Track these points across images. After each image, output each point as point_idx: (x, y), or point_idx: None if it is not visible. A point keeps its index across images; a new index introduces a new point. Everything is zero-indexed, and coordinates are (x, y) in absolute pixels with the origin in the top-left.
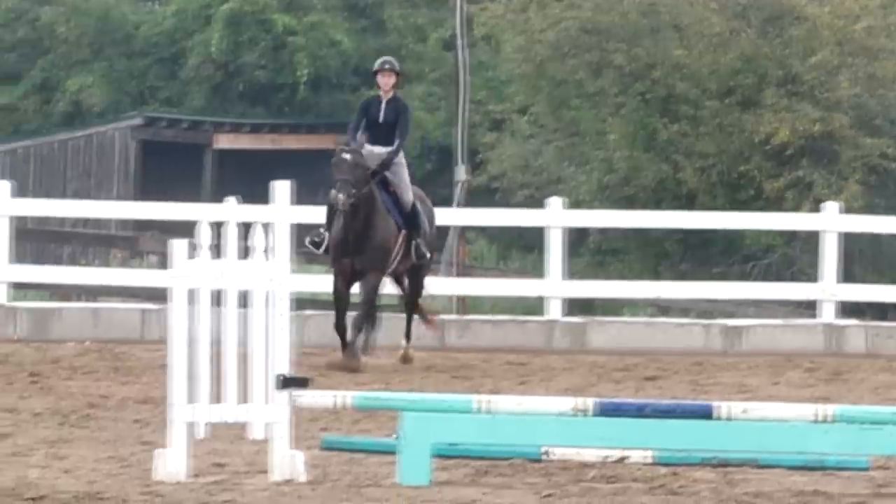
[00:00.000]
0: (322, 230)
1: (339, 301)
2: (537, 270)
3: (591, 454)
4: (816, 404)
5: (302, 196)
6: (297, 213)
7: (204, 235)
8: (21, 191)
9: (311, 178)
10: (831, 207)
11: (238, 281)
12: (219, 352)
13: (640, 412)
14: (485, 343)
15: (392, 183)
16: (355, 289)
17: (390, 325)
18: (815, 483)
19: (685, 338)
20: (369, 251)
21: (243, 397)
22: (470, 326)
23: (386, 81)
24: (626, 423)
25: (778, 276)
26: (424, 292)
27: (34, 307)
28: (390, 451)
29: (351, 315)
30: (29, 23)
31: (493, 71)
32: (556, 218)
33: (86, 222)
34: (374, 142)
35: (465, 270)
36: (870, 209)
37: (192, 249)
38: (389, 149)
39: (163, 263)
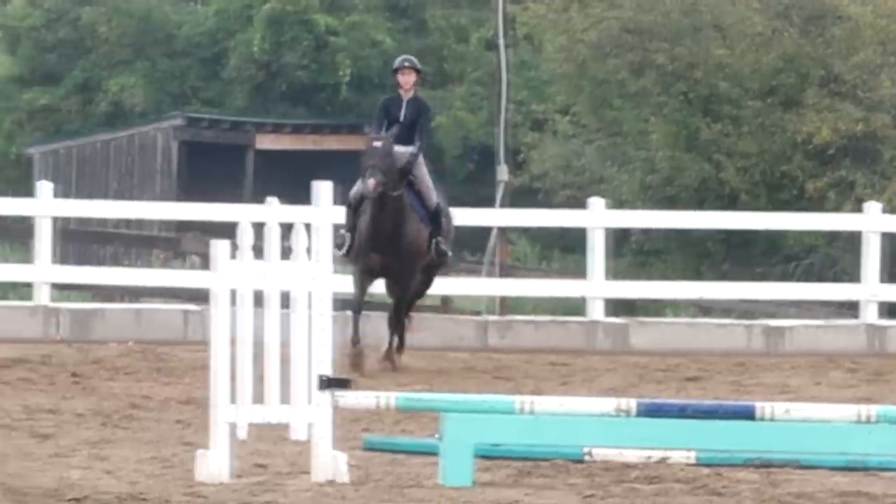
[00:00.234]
0: (342, 231)
1: (361, 299)
2: (579, 271)
3: (633, 455)
4: (859, 405)
5: (343, 197)
6: (338, 214)
7: (246, 236)
8: (63, 191)
9: (352, 178)
10: (873, 207)
11: (280, 281)
12: (261, 352)
13: (682, 413)
14: (527, 344)
15: (416, 181)
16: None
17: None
18: (857, 484)
19: (727, 338)
20: (403, 252)
21: (285, 398)
22: (512, 327)
23: (406, 80)
24: (669, 423)
25: (820, 277)
26: (428, 291)
27: (76, 308)
28: (432, 452)
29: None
30: (70, 23)
31: (534, 70)
32: (598, 218)
33: (128, 223)
34: (395, 141)
35: (506, 271)
36: None
37: (234, 250)
38: (411, 149)
39: (205, 264)
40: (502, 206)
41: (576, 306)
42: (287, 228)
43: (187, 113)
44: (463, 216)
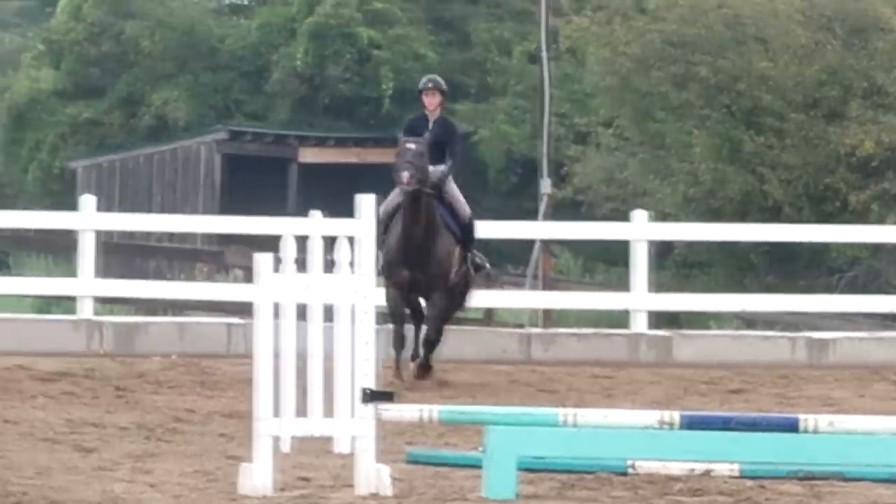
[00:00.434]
0: None
1: (398, 315)
2: (622, 283)
3: (676, 467)
4: None
5: None
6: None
7: (289, 249)
8: (106, 205)
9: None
10: None
11: (323, 295)
12: (304, 365)
13: (725, 425)
14: (570, 356)
15: (447, 195)
16: None
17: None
18: None
19: (771, 351)
20: (433, 266)
21: (329, 411)
22: (555, 340)
23: (431, 101)
24: (712, 436)
25: (864, 289)
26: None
27: (120, 321)
28: (476, 465)
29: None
30: (113, 37)
31: (577, 83)
32: (640, 231)
33: (171, 236)
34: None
35: (550, 284)
36: None
37: (277, 263)
38: (441, 168)
39: (248, 277)
40: (545, 218)
41: (619, 319)
42: (330, 241)
43: (230, 126)
44: (506, 229)
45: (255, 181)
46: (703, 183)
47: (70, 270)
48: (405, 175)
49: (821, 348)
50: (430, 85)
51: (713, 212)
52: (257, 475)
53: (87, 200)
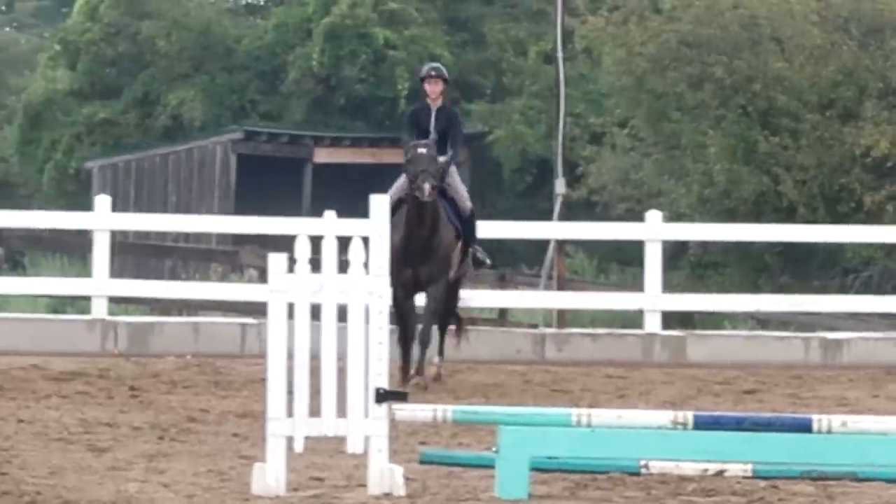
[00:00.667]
0: None
1: (405, 316)
2: (636, 284)
3: (689, 467)
4: None
5: None
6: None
7: (302, 249)
8: (122, 205)
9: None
10: None
11: (336, 295)
12: (317, 366)
13: (739, 425)
14: (584, 356)
15: (448, 188)
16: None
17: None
18: None
19: (785, 351)
20: (435, 261)
21: (342, 411)
22: (569, 340)
23: (433, 89)
24: (726, 436)
25: (878, 289)
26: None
27: (134, 321)
28: (489, 465)
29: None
30: (129, 37)
31: (592, 84)
32: (655, 231)
33: (186, 236)
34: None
35: (564, 284)
36: None
37: (292, 263)
38: (443, 158)
39: (262, 278)
40: (560, 219)
41: (633, 319)
42: (345, 242)
43: (246, 126)
44: (520, 229)
45: (270, 181)
46: (717, 183)
47: (85, 270)
48: (427, 188)
49: (835, 349)
50: (432, 73)
51: (728, 212)
52: (270, 475)
53: (102, 200)
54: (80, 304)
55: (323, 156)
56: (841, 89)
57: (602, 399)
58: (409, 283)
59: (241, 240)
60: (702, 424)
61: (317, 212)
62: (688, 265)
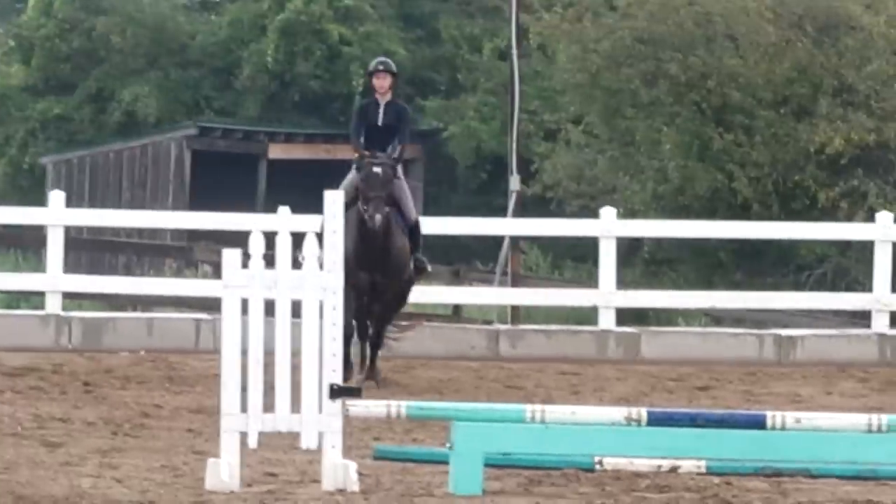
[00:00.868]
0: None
1: (360, 319)
2: (591, 280)
3: (643, 464)
4: (870, 414)
5: None
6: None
7: (257, 245)
8: (76, 201)
9: None
10: (885, 217)
11: (291, 291)
12: (271, 361)
13: (692, 422)
14: (538, 353)
15: (395, 190)
16: None
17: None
18: (867, 493)
19: (738, 348)
20: (391, 267)
21: (296, 407)
22: (523, 336)
23: (381, 84)
24: (679, 432)
25: (832, 286)
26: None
27: (88, 317)
28: (443, 461)
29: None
30: (84, 33)
31: (547, 80)
32: (609, 228)
33: (140, 232)
34: (372, 146)
35: (518, 280)
36: None
37: (246, 259)
38: (391, 152)
39: (217, 273)
40: (514, 215)
41: (587, 315)
42: (299, 238)
43: (200, 122)
44: (475, 226)
45: (225, 177)
46: (671, 180)
47: (39, 266)
48: (378, 219)
49: (788, 345)
50: (380, 67)
51: (682, 209)
52: (224, 470)
53: (57, 196)
54: (34, 299)
55: (277, 152)
56: (795, 86)
57: (556, 395)
58: (364, 287)
59: (195, 235)
60: (655, 421)
61: (271, 208)
62: (642, 262)
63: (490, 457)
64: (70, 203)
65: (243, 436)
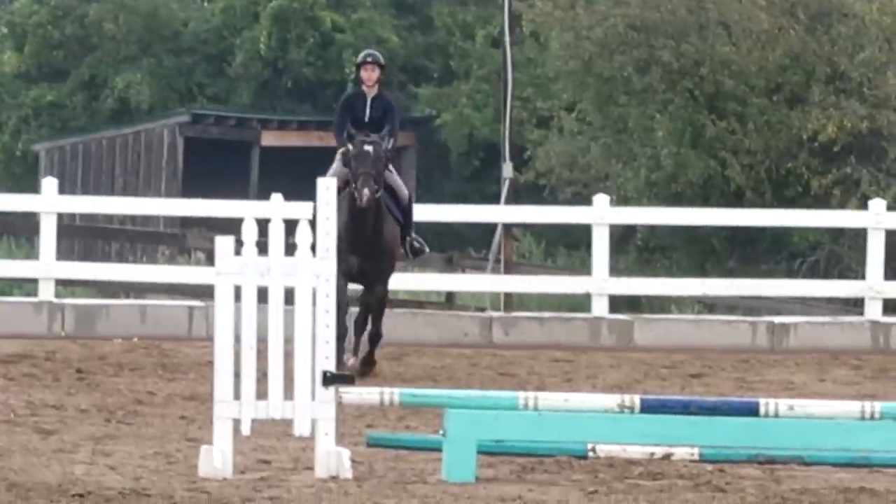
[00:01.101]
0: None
1: (342, 304)
2: (584, 267)
3: (636, 451)
4: (862, 401)
5: None
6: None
7: (249, 232)
8: (69, 188)
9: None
10: (878, 205)
11: (284, 278)
12: (264, 348)
13: (685, 409)
14: (531, 340)
15: (387, 177)
16: None
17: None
18: (860, 480)
19: (732, 335)
20: (381, 254)
21: (289, 394)
22: (516, 323)
23: (369, 76)
24: (672, 420)
25: (825, 274)
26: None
27: (81, 304)
28: (436, 448)
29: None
30: (76, 20)
31: (540, 68)
32: (601, 215)
33: (133, 219)
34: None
35: (511, 267)
36: None
37: (239, 246)
38: (384, 143)
39: (210, 260)
40: (507, 202)
41: (580, 303)
42: (292, 225)
43: (193, 109)
44: (468, 213)
45: (218, 164)
46: (664, 167)
47: (32, 253)
48: (366, 194)
49: (781, 333)
50: (368, 59)
51: (675, 196)
52: (217, 458)
53: (49, 183)
54: (26, 286)
55: (270, 139)
56: (788, 74)
57: (549, 383)
58: (352, 271)
59: (188, 222)
60: (649, 408)
61: (264, 195)
62: (635, 249)
63: (483, 444)
64: (63, 190)
65: (236, 423)
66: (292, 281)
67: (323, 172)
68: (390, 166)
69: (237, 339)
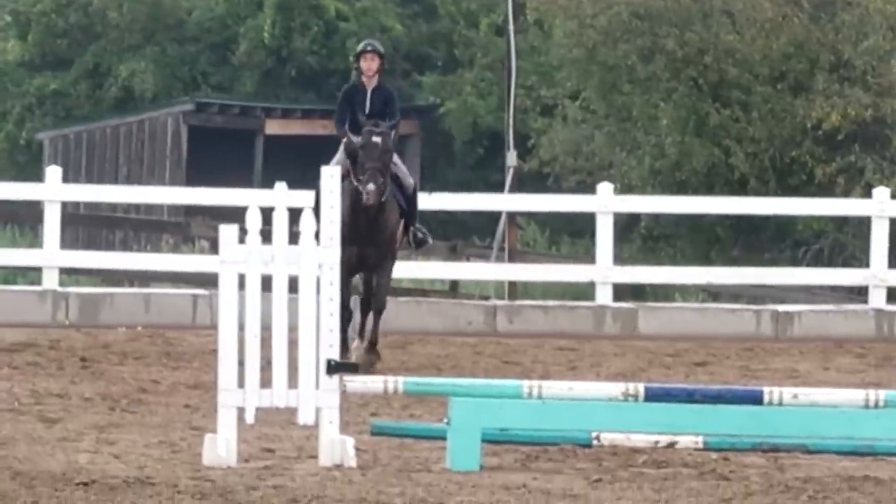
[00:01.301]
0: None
1: (344, 291)
2: (588, 256)
3: (641, 439)
4: (867, 390)
5: None
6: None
7: (253, 221)
8: (73, 176)
9: None
10: (882, 193)
11: (288, 266)
12: (269, 337)
13: (690, 397)
14: (535, 328)
15: (393, 167)
16: None
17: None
18: (864, 468)
19: (736, 323)
20: (382, 242)
21: (293, 382)
22: (520, 312)
23: (369, 66)
24: (677, 408)
25: (829, 262)
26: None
27: (85, 292)
28: (440, 437)
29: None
30: (80, 8)
31: (544, 56)
32: (605, 203)
33: (137, 208)
34: (357, 134)
35: (515, 256)
36: None
37: (243, 235)
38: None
39: (214, 249)
40: (511, 191)
41: (584, 291)
42: (296, 213)
43: (197, 98)
44: (472, 201)
45: (222, 153)
46: (668, 156)
47: (35, 241)
48: (372, 189)
49: (786, 321)
50: (368, 48)
51: (679, 185)
52: (221, 446)
53: (53, 172)
54: (30, 275)
55: (274, 127)
56: (792, 62)
57: (553, 371)
58: (353, 260)
59: (192, 211)
60: (653, 396)
61: (268, 183)
62: (639, 237)
63: (487, 432)
64: (67, 178)
65: (240, 411)
66: (296, 269)
67: (327, 161)
68: (396, 160)
69: (241, 327)
